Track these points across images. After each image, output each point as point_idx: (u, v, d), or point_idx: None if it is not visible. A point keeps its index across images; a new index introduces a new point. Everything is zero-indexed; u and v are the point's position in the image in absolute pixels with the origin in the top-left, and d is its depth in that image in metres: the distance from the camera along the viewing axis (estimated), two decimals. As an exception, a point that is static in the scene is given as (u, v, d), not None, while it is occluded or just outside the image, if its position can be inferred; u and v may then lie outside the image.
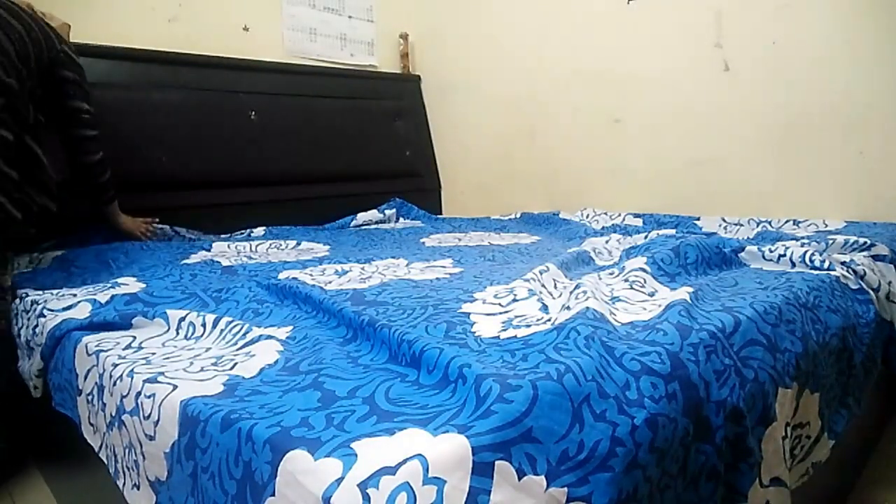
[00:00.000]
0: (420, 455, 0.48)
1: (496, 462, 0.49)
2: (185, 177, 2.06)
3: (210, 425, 0.60)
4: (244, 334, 0.89)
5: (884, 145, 1.66)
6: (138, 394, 0.72)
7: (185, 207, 2.05)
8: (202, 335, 0.93)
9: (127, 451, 0.75)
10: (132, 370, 0.78)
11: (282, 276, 1.25)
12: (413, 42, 2.87)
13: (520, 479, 0.49)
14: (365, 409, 0.58)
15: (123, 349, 0.89)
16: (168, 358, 0.83)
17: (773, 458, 0.75)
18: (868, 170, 1.70)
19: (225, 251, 1.69)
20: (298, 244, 1.82)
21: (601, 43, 2.22)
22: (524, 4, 2.45)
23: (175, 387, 0.70)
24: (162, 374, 0.75)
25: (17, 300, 1.26)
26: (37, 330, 1.09)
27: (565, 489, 0.51)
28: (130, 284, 1.27)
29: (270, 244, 1.81)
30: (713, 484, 0.66)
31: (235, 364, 0.77)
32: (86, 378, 0.90)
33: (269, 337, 0.86)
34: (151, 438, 0.68)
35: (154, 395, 0.70)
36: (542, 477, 0.50)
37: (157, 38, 2.06)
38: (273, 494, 0.51)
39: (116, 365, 0.81)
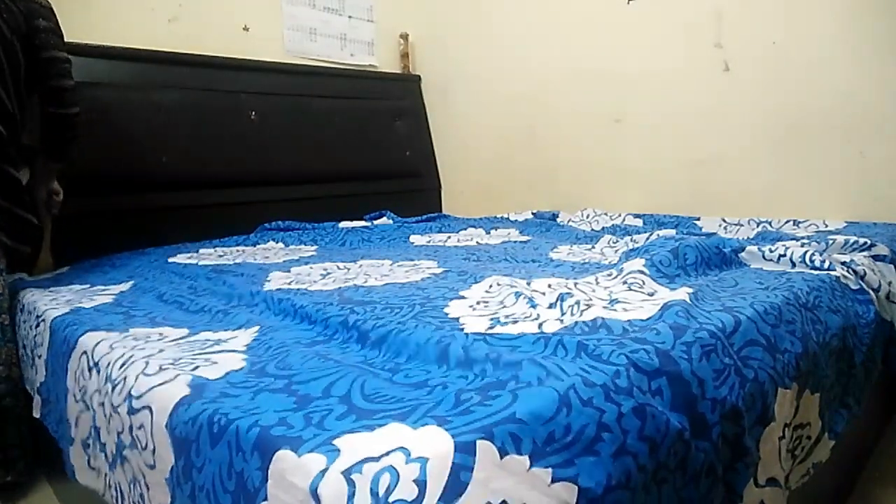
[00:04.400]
0: (402, 447, 0.49)
1: (478, 441, 0.50)
2: (185, 177, 2.06)
3: (202, 443, 0.60)
4: (204, 344, 0.86)
5: (884, 145, 1.66)
6: (131, 427, 0.72)
7: (184, 207, 2.05)
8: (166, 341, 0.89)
9: (132, 485, 0.74)
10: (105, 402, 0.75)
11: (269, 276, 1.25)
12: (413, 42, 2.87)
13: (502, 457, 0.50)
14: (343, 408, 0.59)
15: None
16: (125, 365, 0.79)
17: (770, 458, 0.75)
18: (868, 170, 1.69)
19: (211, 252, 1.69)
20: (287, 245, 1.82)
21: (601, 43, 2.22)
22: (524, 4, 2.44)
23: (151, 408, 0.68)
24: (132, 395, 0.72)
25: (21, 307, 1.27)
26: (37, 339, 1.10)
27: (549, 469, 0.51)
28: (112, 288, 1.27)
29: (258, 247, 1.80)
30: (710, 481, 0.66)
31: (197, 367, 0.75)
32: (77, 425, 0.90)
33: (230, 345, 0.84)
34: (152, 467, 0.68)
35: (143, 424, 0.69)
36: (526, 457, 0.51)
37: (157, 38, 2.06)
38: (266, 499, 0.51)
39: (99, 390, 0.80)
